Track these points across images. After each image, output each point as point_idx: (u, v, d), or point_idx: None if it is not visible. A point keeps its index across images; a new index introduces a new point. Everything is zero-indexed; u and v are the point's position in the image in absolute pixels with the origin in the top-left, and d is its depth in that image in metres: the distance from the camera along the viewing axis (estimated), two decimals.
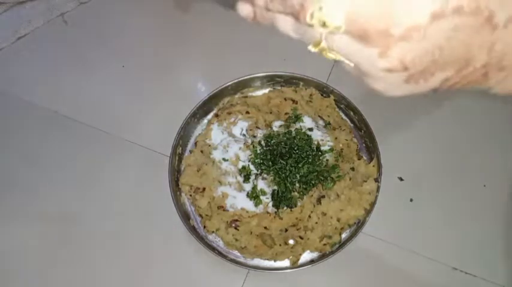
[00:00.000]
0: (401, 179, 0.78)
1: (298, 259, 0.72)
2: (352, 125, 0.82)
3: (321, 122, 0.80)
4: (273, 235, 0.73)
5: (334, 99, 0.82)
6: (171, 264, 0.75)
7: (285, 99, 0.83)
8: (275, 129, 0.79)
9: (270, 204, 0.73)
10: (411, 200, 0.77)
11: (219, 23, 0.95)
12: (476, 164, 0.80)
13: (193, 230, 0.73)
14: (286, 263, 0.73)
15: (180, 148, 0.80)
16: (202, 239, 0.72)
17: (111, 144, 0.84)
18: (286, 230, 0.73)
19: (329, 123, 0.80)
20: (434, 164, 0.80)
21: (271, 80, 0.84)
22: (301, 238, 0.72)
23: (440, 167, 0.79)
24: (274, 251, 0.72)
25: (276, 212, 0.73)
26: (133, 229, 0.77)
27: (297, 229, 0.73)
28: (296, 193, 0.73)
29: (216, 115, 0.83)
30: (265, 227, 0.73)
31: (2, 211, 0.80)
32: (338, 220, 0.73)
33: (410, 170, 0.79)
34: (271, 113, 0.82)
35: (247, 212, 0.74)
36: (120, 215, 0.78)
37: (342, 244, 0.72)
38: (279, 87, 0.85)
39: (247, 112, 0.81)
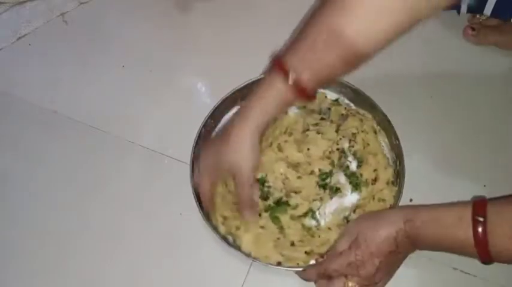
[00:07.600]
0: None
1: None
2: None
3: None
4: None
5: None
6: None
7: None
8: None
9: None
10: (411, 200, 0.77)
11: (220, 23, 0.95)
12: (476, 164, 0.80)
13: (215, 229, 0.70)
14: None
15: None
16: (224, 238, 0.70)
17: (111, 144, 0.84)
18: None
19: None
20: (434, 163, 0.80)
21: None
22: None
23: (440, 166, 0.79)
24: None
25: None
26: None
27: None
28: None
29: None
30: None
31: (2, 211, 0.80)
32: None
33: (410, 170, 0.79)
34: None
35: None
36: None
37: None
38: None
39: None
